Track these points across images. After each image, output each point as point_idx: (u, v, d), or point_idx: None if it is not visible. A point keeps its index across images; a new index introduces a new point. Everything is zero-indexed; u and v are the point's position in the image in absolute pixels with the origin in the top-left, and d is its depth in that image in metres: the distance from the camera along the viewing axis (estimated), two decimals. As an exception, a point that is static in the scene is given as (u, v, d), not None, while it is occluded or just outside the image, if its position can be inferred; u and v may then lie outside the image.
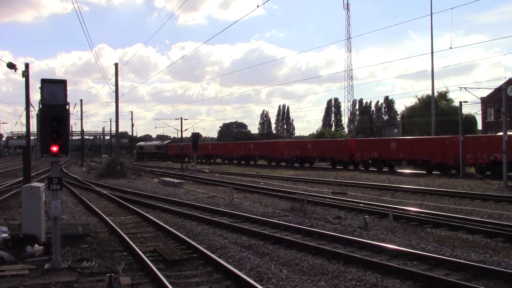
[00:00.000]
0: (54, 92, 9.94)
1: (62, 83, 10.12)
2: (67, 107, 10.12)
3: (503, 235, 12.91)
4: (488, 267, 9.51)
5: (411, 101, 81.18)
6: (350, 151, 46.48)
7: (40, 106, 9.96)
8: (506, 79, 55.58)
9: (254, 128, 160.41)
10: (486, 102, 58.86)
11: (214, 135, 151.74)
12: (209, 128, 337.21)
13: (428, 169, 38.81)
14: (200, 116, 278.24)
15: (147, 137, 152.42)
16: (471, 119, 63.97)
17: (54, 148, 9.87)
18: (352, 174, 38.32)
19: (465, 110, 59.09)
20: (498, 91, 38.87)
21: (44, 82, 9.93)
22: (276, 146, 58.52)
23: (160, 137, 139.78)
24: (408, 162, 41.31)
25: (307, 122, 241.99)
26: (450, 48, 56.79)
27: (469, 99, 67.94)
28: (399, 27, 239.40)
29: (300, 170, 45.42)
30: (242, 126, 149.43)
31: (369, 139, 54.92)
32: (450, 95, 73.51)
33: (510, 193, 22.99)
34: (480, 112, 60.68)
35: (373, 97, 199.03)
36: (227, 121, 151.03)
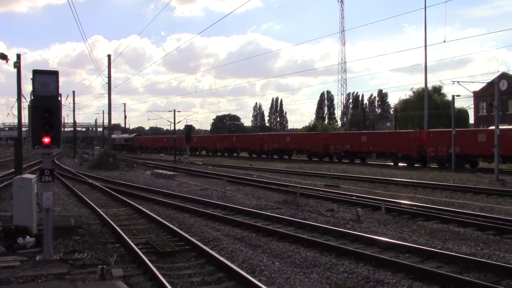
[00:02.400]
0: (46, 83, 9.85)
1: (54, 74, 10.03)
2: (59, 98, 10.05)
3: (494, 228, 12.99)
4: (479, 260, 9.57)
5: (405, 95, 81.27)
6: (325, 144, 48.25)
7: (32, 98, 9.88)
8: (498, 73, 55.82)
9: (247, 120, 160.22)
10: (478, 96, 59.10)
11: (208, 127, 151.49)
12: (203, 121, 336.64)
13: (395, 161, 41.03)
14: (194, 109, 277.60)
15: (139, 129, 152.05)
16: (463, 113, 64.19)
17: (46, 140, 9.80)
18: (344, 167, 38.41)
19: (459, 104, 59.50)
20: (491, 85, 38.96)
21: (36, 73, 9.85)
22: (257, 139, 60.09)
23: (152, 130, 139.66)
24: (377, 155, 43.69)
25: (300, 115, 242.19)
26: (444, 41, 56.89)
27: (462, 93, 68.11)
28: (395, 20, 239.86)
29: (295, 163, 45.47)
30: (236, 118, 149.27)
31: (342, 132, 58.83)
32: (445, 89, 73.59)
33: (501, 187, 23.15)
34: (472, 106, 60.96)
35: (368, 90, 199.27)
36: (221, 114, 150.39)
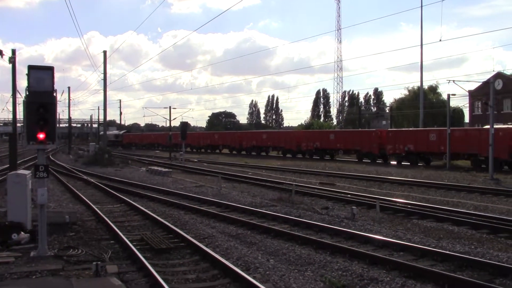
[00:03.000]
0: (41, 79, 9.83)
1: (49, 69, 10.01)
2: (54, 94, 10.01)
3: (488, 226, 13.05)
4: (473, 258, 9.61)
5: (401, 93, 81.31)
6: (298, 142, 50.16)
7: (27, 93, 9.85)
8: (494, 73, 55.97)
9: (243, 118, 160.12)
10: (474, 95, 59.25)
11: (203, 124, 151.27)
12: (198, 118, 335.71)
13: (359, 157, 43.65)
14: (190, 106, 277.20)
15: (135, 126, 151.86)
16: (458, 112, 64.42)
17: (41, 136, 9.78)
18: (339, 165, 38.46)
19: (454, 103, 59.67)
20: (486, 84, 39.07)
21: (31, 68, 9.82)
22: (236, 136, 61.22)
23: (148, 126, 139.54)
24: (344, 151, 46.89)
25: (296, 113, 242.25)
26: (440, 40, 56.90)
27: (458, 92, 68.29)
28: (392, 19, 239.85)
29: (289, 161, 45.48)
30: (231, 116, 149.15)
31: (313, 131, 62.26)
32: (440, 88, 73.68)
33: (495, 186, 23.24)
34: (468, 105, 61.12)
35: (364, 88, 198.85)
36: (217, 111, 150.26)
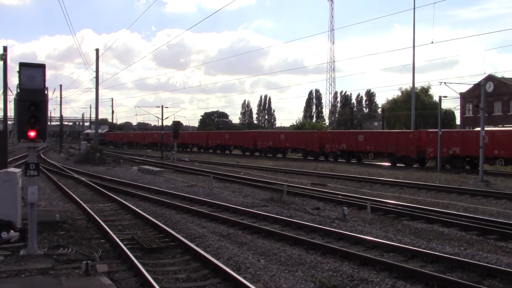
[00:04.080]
0: (33, 76, 9.78)
1: (41, 67, 9.96)
2: (46, 92, 9.97)
3: (477, 228, 13.14)
4: (462, 260, 9.68)
5: (393, 95, 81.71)
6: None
7: (18, 90, 9.79)
8: (486, 75, 56.33)
9: (236, 118, 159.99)
10: (465, 97, 59.65)
11: (196, 124, 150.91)
12: (191, 117, 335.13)
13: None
14: (182, 105, 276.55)
15: (127, 125, 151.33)
16: (450, 114, 64.77)
17: (32, 133, 9.73)
18: (331, 165, 38.51)
19: (446, 105, 59.60)
20: (477, 86, 39.41)
21: (22, 66, 9.77)
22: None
23: (140, 125, 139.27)
24: (292, 150, 50.77)
25: (289, 113, 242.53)
26: (432, 42, 57.25)
27: (449, 94, 68.43)
28: (386, 20, 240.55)
29: (281, 161, 45.51)
30: (224, 115, 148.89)
31: (267, 131, 68.08)
32: (432, 90, 74.06)
33: (485, 188, 23.38)
34: (459, 107, 61.47)
35: (357, 89, 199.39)
36: (209, 110, 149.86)
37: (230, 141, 61.19)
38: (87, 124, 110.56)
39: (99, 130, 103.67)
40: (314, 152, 47.35)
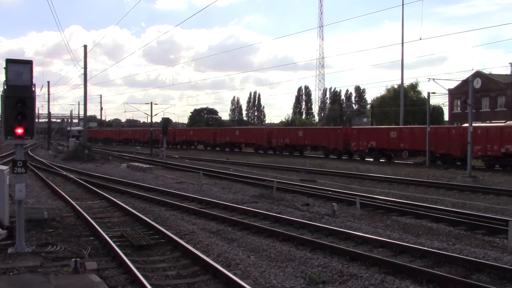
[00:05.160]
0: (20, 73, 9.69)
1: (28, 63, 9.87)
2: (33, 88, 9.88)
3: (465, 223, 13.26)
4: (450, 255, 9.76)
5: (380, 92, 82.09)
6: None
7: (5, 87, 9.70)
8: (473, 71, 56.70)
9: (225, 114, 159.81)
10: (453, 93, 59.99)
11: (185, 120, 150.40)
12: (180, 114, 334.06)
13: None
14: (172, 101, 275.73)
15: (116, 121, 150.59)
16: (438, 110, 65.15)
17: (19, 130, 9.64)
18: (321, 162, 38.62)
19: (434, 101, 60.30)
20: (465, 83, 39.63)
21: (9, 62, 9.67)
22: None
23: (129, 122, 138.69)
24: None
25: (279, 109, 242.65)
26: (420, 39, 57.46)
27: (438, 91, 69.35)
28: (375, 17, 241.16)
29: (272, 157, 45.55)
30: (213, 112, 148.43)
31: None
32: (421, 86, 74.42)
33: (473, 183, 23.57)
34: (448, 103, 61.81)
35: (348, 85, 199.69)
36: (199, 107, 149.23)
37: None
38: (75, 121, 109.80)
39: (80, 127, 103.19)
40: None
